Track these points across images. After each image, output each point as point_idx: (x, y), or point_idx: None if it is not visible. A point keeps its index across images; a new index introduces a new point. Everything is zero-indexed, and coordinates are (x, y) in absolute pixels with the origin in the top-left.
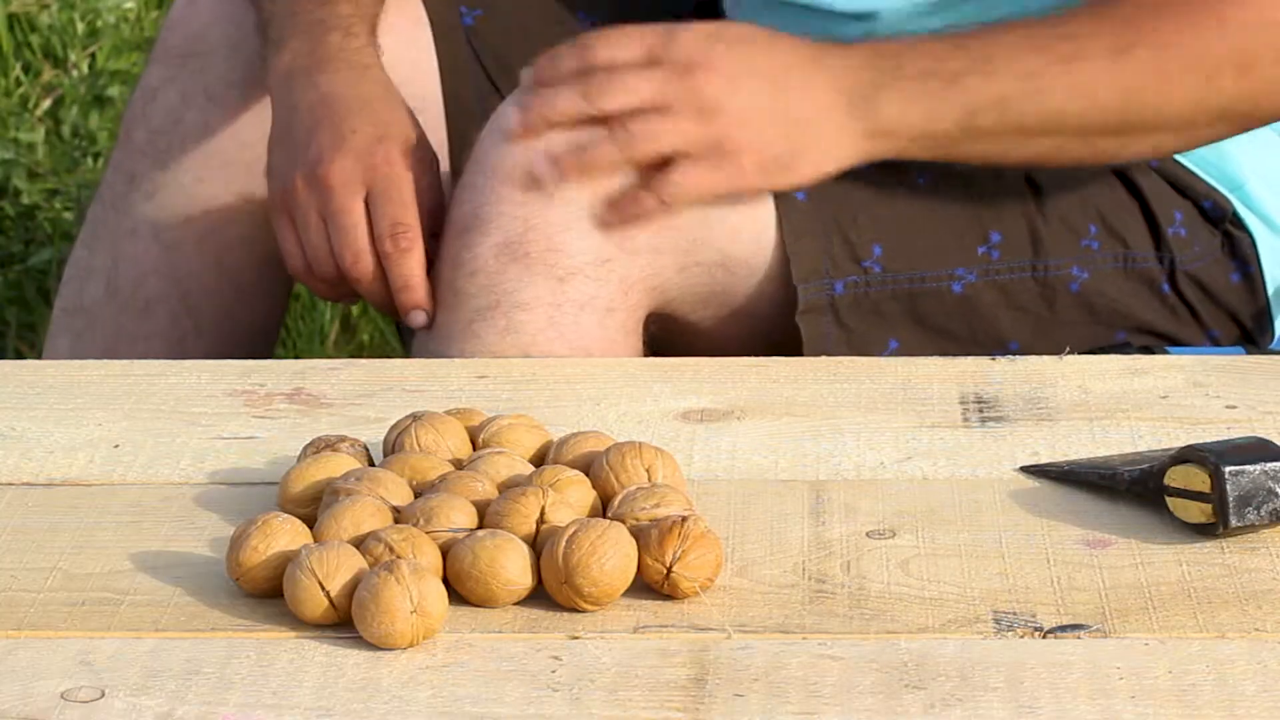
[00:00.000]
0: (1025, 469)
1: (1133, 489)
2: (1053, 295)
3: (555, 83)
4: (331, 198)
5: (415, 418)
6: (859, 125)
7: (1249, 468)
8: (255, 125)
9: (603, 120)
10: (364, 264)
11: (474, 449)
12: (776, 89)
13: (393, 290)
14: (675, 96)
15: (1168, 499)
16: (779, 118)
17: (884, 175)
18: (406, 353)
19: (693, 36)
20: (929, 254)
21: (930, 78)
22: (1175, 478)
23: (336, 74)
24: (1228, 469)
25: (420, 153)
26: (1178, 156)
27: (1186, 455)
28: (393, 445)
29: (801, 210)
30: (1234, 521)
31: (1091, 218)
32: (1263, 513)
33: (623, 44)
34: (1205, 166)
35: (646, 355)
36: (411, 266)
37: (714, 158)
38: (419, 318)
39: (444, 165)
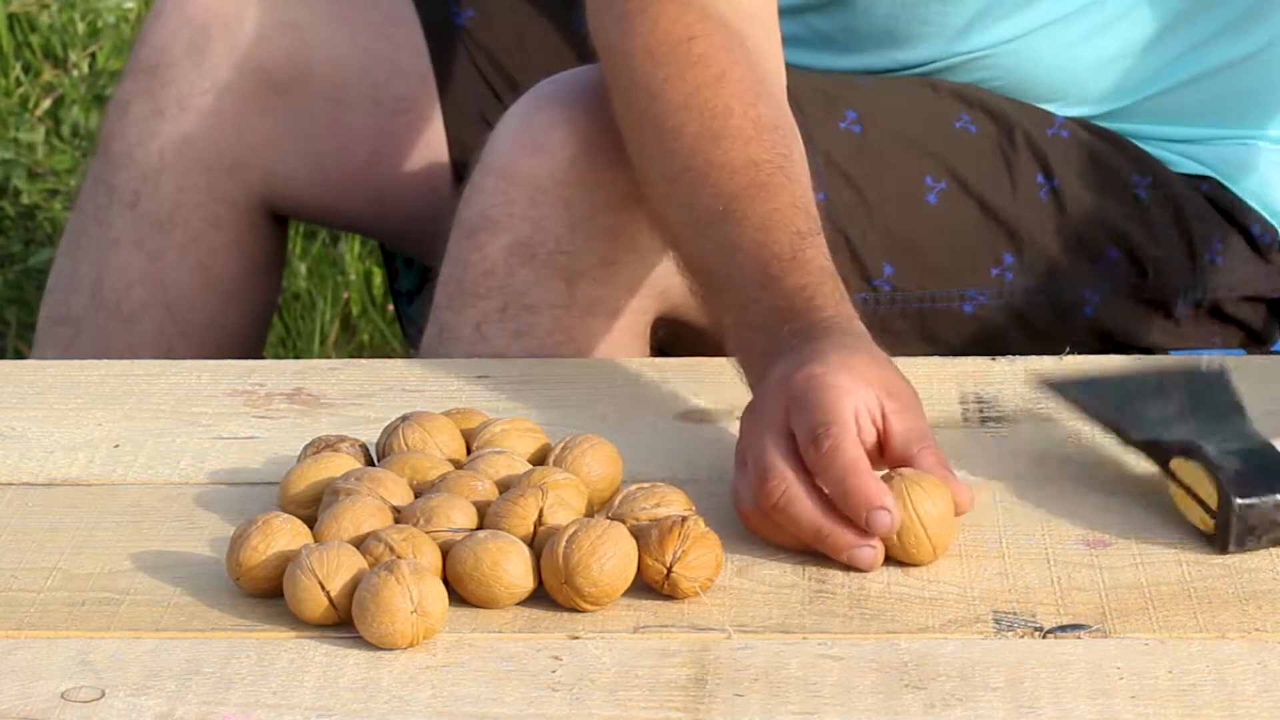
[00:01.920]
0: (1044, 382)
1: (1140, 448)
2: (1065, 317)
3: None
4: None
5: (404, 419)
6: None
7: (1260, 501)
8: (232, 131)
9: None
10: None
11: (470, 452)
12: None
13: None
14: None
15: (1170, 484)
16: None
17: (897, 194)
18: (411, 354)
19: None
20: (940, 274)
21: None
22: (1183, 472)
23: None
24: (1238, 501)
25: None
26: (1228, 184)
27: (1196, 453)
28: (382, 449)
29: None
30: (1233, 548)
31: (1111, 240)
32: (1263, 540)
33: None
34: (1252, 194)
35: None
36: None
37: None
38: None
39: (443, 164)
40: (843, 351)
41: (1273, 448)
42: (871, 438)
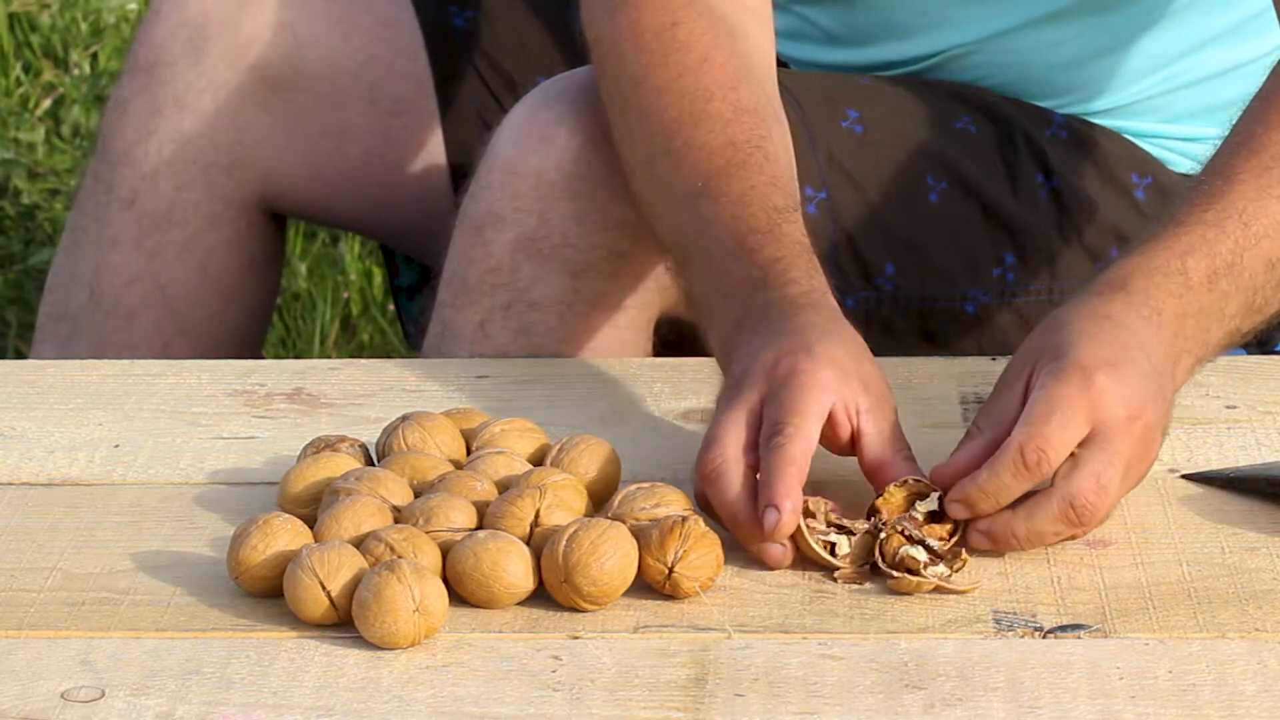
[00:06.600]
0: (1188, 476)
1: None
2: None
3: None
4: None
5: (404, 419)
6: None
7: None
8: (230, 129)
9: None
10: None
11: (470, 452)
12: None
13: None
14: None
15: None
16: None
17: (899, 194)
18: (411, 352)
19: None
20: (942, 274)
21: (1216, 293)
22: None
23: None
24: None
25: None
26: None
27: None
28: (382, 449)
29: (814, 225)
30: None
31: (1113, 240)
32: None
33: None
34: None
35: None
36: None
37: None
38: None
39: (440, 165)
40: (826, 340)
41: None
42: (846, 434)
